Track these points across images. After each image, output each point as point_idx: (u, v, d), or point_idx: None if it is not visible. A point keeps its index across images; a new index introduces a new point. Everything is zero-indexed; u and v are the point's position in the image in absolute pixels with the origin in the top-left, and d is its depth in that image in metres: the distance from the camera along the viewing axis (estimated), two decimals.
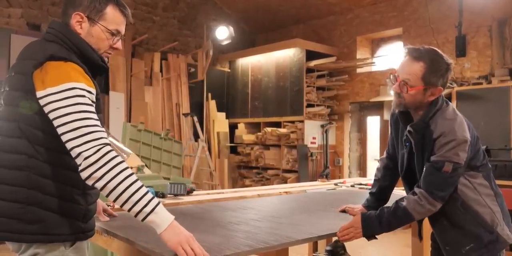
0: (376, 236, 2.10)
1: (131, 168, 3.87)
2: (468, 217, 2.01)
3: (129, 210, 1.51)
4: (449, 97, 6.52)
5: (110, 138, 3.96)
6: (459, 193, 2.02)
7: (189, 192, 2.98)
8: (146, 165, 4.08)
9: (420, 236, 2.47)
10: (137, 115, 7.63)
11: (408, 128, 2.10)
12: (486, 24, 6.48)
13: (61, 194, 1.55)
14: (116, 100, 7.39)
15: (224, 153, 8.79)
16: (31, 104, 1.57)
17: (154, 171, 4.83)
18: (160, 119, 8.04)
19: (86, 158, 1.47)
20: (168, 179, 4.83)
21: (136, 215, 1.52)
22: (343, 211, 2.48)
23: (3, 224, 1.57)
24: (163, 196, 2.77)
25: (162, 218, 1.53)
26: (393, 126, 2.32)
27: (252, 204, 2.82)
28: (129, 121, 7.38)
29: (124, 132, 5.17)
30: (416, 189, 2.01)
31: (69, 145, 1.50)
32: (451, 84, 6.61)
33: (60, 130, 1.51)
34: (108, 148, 1.51)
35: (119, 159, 1.53)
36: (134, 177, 1.54)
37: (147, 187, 2.62)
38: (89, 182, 1.50)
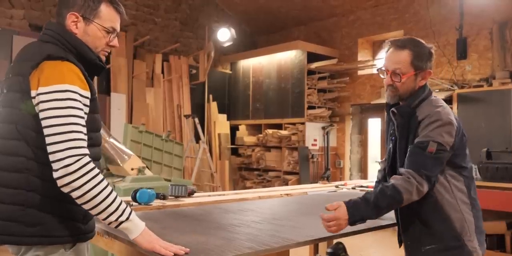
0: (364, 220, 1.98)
1: (132, 169, 3.89)
2: (438, 218, 1.97)
3: (104, 219, 1.57)
4: (450, 100, 6.52)
5: (111, 140, 3.96)
6: (435, 191, 1.97)
7: (190, 193, 2.98)
8: (147, 167, 4.08)
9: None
10: (138, 117, 7.63)
11: (392, 109, 2.10)
12: (487, 27, 6.48)
13: (60, 196, 1.54)
14: (118, 101, 7.39)
15: (225, 155, 8.79)
16: (29, 106, 1.57)
17: (155, 173, 4.83)
18: (161, 121, 8.04)
19: (66, 166, 1.48)
20: (169, 180, 4.83)
21: (110, 223, 1.59)
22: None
23: (3, 227, 1.57)
24: (164, 197, 2.77)
25: (136, 225, 1.63)
26: (387, 124, 2.31)
27: (253, 206, 2.82)
28: (130, 123, 7.38)
29: (125, 133, 5.17)
30: (401, 170, 1.96)
31: (51, 148, 1.49)
32: (452, 86, 6.61)
33: (45, 131, 1.51)
34: (87, 158, 1.52)
35: (96, 170, 1.54)
36: (110, 188, 1.58)
37: (148, 188, 2.64)
38: (65, 190, 1.50)
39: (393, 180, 1.93)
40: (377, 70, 2.16)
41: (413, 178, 1.88)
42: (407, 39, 2.11)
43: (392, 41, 2.11)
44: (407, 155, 1.97)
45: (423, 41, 2.11)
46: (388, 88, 2.10)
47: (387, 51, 2.12)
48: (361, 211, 1.91)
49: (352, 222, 1.92)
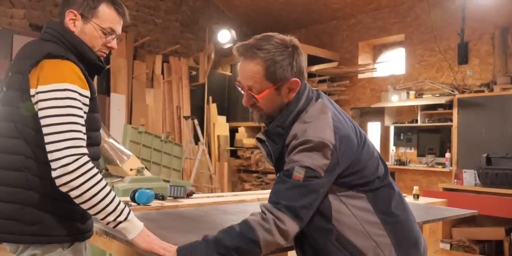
0: None
1: (131, 170, 3.88)
2: (345, 255, 1.53)
3: (102, 219, 1.56)
4: (450, 104, 6.52)
5: (111, 140, 3.95)
6: (333, 223, 1.53)
7: (189, 195, 2.98)
8: (146, 167, 4.07)
9: None
10: (137, 117, 7.62)
11: (258, 135, 1.67)
12: (489, 32, 6.48)
13: (58, 195, 1.53)
14: (117, 102, 7.38)
15: (224, 157, 8.77)
16: (28, 106, 1.56)
17: (154, 174, 4.82)
18: (161, 122, 8.03)
19: (64, 165, 1.47)
20: (168, 181, 4.82)
21: (108, 223, 1.58)
22: None
23: (1, 225, 1.56)
24: (162, 198, 2.76)
25: (134, 225, 1.62)
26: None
27: (252, 208, 2.80)
28: (130, 123, 7.37)
29: (125, 134, 5.16)
30: (260, 204, 1.54)
31: (49, 147, 1.49)
32: (452, 91, 6.61)
33: (44, 130, 1.50)
34: (86, 158, 1.51)
35: (95, 170, 1.54)
36: (108, 188, 1.56)
37: (146, 189, 2.63)
38: (63, 189, 1.49)
39: (250, 216, 1.50)
40: (235, 82, 1.68)
41: (269, 213, 1.45)
42: (257, 41, 1.61)
43: (238, 49, 1.63)
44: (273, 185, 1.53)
45: (279, 38, 1.63)
46: (250, 108, 1.70)
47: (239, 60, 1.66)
48: (197, 253, 1.46)
49: None
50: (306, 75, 1.66)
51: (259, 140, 1.66)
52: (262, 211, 1.47)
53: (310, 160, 1.44)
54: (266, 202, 1.50)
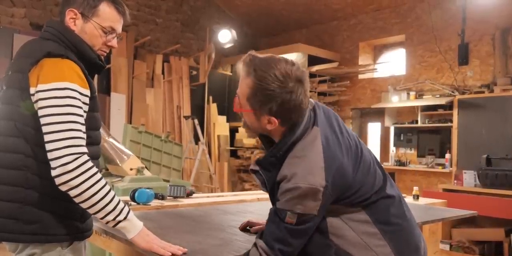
0: None
1: (131, 169, 3.88)
2: None
3: (102, 218, 1.56)
4: (451, 106, 6.52)
5: (111, 139, 3.95)
6: (331, 238, 1.55)
7: (189, 194, 2.98)
8: (146, 167, 4.07)
9: None
10: (138, 117, 7.62)
11: (251, 166, 1.66)
12: (489, 33, 6.48)
13: (58, 194, 1.53)
14: (117, 102, 7.38)
15: (224, 157, 8.77)
16: (28, 105, 1.56)
17: (154, 173, 4.81)
18: (161, 121, 8.02)
19: (63, 164, 1.46)
20: (168, 181, 4.82)
21: (107, 223, 1.58)
22: (244, 229, 2.12)
23: (1, 224, 1.56)
24: (162, 198, 2.76)
25: (134, 225, 1.62)
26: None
27: (252, 208, 2.81)
28: (130, 123, 7.37)
29: (125, 133, 5.16)
30: (257, 241, 1.56)
31: (49, 146, 1.48)
32: (452, 92, 6.61)
33: (44, 129, 1.50)
34: (85, 157, 1.51)
35: (94, 169, 1.53)
36: (108, 187, 1.56)
37: (146, 188, 2.63)
38: (63, 188, 1.49)
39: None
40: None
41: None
42: (260, 62, 1.53)
43: (245, 60, 1.56)
44: (267, 218, 1.57)
45: (282, 71, 1.52)
46: (239, 113, 1.65)
47: None
48: None
49: None
50: (302, 108, 1.55)
51: (252, 171, 1.65)
52: (260, 254, 1.51)
53: (302, 207, 1.46)
54: (260, 240, 1.53)
